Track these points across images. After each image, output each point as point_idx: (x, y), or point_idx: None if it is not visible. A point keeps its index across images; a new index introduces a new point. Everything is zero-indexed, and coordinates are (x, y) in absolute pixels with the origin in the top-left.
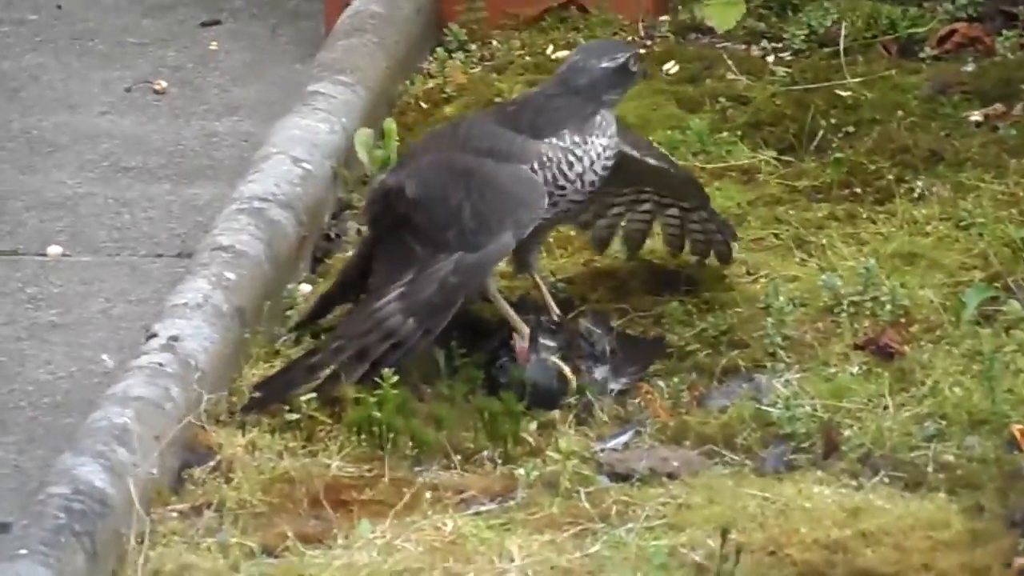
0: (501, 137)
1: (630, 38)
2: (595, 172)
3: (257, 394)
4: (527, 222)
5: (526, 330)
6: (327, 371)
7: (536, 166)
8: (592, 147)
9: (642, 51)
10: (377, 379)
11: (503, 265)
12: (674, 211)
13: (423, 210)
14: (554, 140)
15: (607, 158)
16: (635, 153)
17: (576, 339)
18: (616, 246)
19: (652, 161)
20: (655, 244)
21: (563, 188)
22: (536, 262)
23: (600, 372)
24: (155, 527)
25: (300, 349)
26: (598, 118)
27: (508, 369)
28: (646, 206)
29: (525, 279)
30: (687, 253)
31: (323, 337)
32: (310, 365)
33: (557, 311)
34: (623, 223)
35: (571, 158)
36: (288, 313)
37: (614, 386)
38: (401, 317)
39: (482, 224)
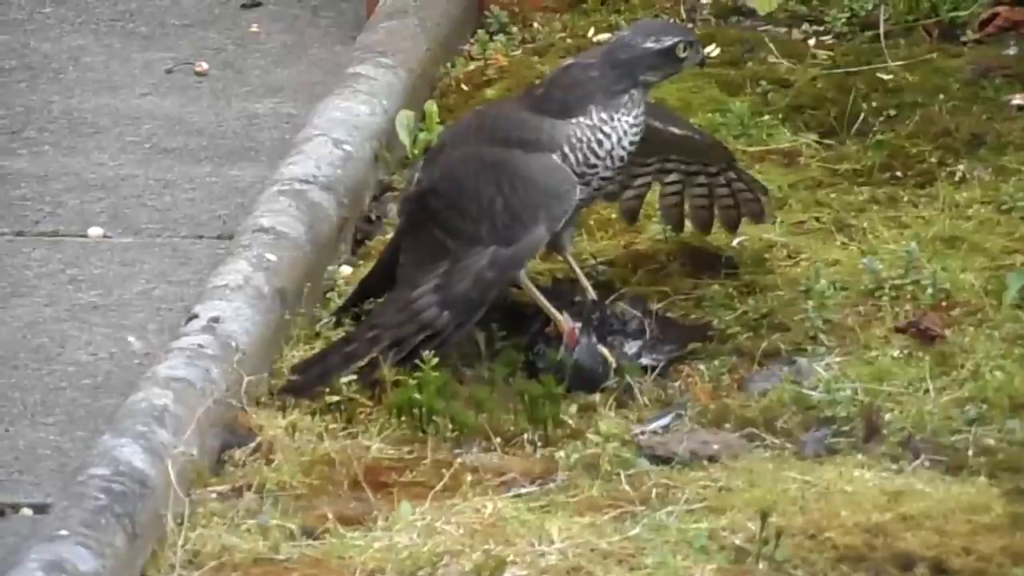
0: (527, 124)
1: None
2: (623, 148)
3: (294, 377)
4: (560, 214)
5: (561, 318)
6: (363, 360)
7: (566, 149)
8: (620, 124)
9: (700, 42)
10: (418, 362)
11: None
12: (701, 179)
13: (456, 208)
14: (581, 119)
15: (634, 135)
16: (657, 124)
17: (608, 319)
18: (656, 227)
19: (675, 130)
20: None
21: (594, 167)
22: (569, 243)
23: (631, 347)
24: (195, 508)
25: (340, 331)
26: (626, 96)
27: (545, 354)
28: (672, 176)
29: (558, 260)
30: (717, 229)
31: (361, 321)
32: (346, 353)
33: (592, 292)
34: (656, 196)
35: (600, 136)
36: (328, 295)
37: (646, 361)
38: (437, 310)
39: (515, 218)
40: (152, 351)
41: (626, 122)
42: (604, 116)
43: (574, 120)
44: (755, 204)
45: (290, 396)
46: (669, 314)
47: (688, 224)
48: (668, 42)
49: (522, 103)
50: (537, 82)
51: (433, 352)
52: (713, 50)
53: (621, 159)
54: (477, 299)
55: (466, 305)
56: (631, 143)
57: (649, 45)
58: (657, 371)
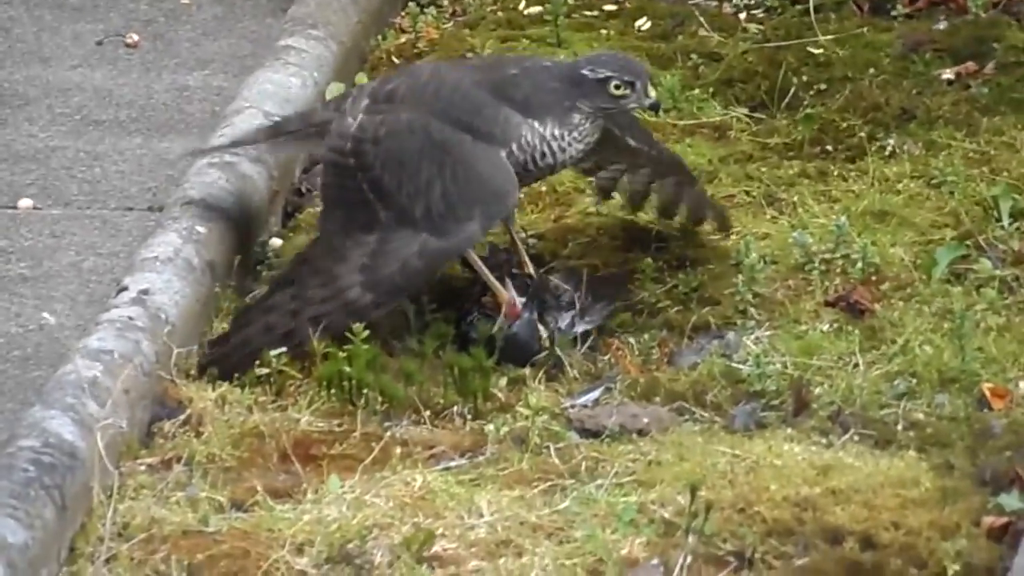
0: (484, 112)
1: None
2: (563, 163)
3: (214, 351)
4: (496, 215)
5: (506, 294)
6: (282, 336)
7: (514, 148)
8: (566, 143)
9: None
10: (348, 335)
11: None
12: (671, 179)
13: (393, 173)
14: (536, 124)
15: (577, 153)
16: (616, 131)
17: (543, 294)
18: (588, 201)
19: (632, 142)
20: (625, 201)
21: (530, 171)
22: (512, 216)
23: (564, 319)
24: (124, 481)
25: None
26: (576, 117)
27: (477, 325)
28: (644, 171)
29: (499, 233)
30: (680, 220)
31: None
32: (266, 323)
33: (531, 267)
34: (625, 179)
35: (545, 149)
36: (259, 267)
37: (579, 328)
38: (360, 290)
39: (450, 208)
40: (79, 323)
41: (573, 142)
42: (555, 132)
43: (530, 121)
44: (722, 216)
45: (214, 373)
46: (599, 274)
47: (617, 198)
48: (602, 74)
49: (485, 81)
50: (510, 59)
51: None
52: (644, 23)
53: (563, 165)
54: (401, 284)
55: (389, 289)
56: (571, 158)
57: (585, 72)
58: (591, 337)
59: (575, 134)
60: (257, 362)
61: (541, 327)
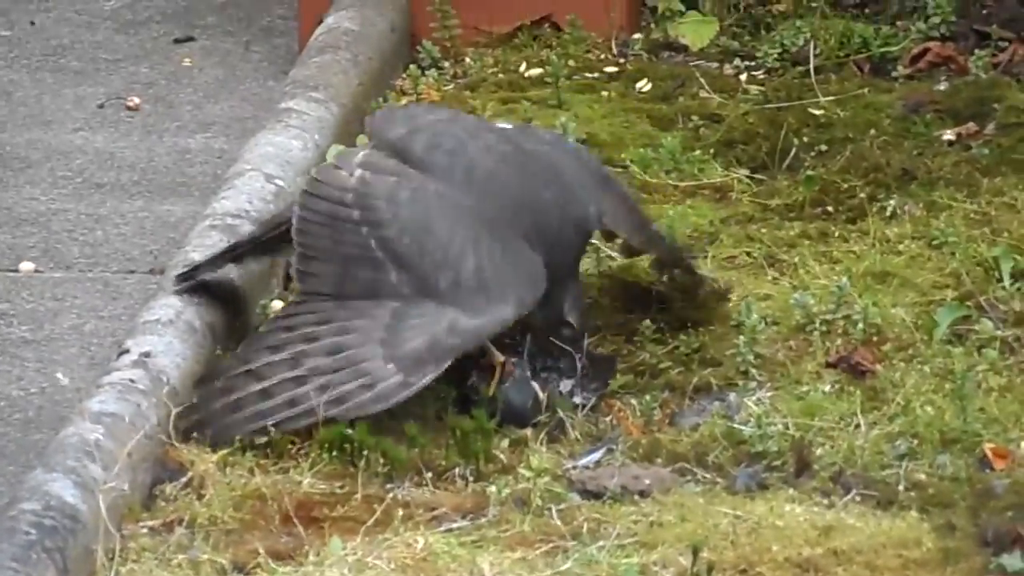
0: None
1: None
2: None
3: (199, 415)
4: (529, 302)
5: (500, 357)
6: (284, 404)
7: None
8: None
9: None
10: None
11: None
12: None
13: (415, 238)
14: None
15: None
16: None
17: (542, 354)
18: (588, 263)
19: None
20: (629, 262)
21: None
22: None
23: (565, 385)
24: (126, 543)
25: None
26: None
27: (478, 388)
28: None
29: None
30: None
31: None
32: (262, 390)
33: (496, 353)
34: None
35: None
36: (260, 329)
37: (578, 400)
38: (382, 363)
39: (482, 287)
40: (81, 386)
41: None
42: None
43: None
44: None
45: (203, 437)
46: (600, 350)
47: (618, 261)
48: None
49: (516, 166)
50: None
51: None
52: (645, 85)
53: None
54: (430, 360)
55: (416, 363)
56: None
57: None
58: (588, 407)
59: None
60: (257, 429)
61: (538, 388)
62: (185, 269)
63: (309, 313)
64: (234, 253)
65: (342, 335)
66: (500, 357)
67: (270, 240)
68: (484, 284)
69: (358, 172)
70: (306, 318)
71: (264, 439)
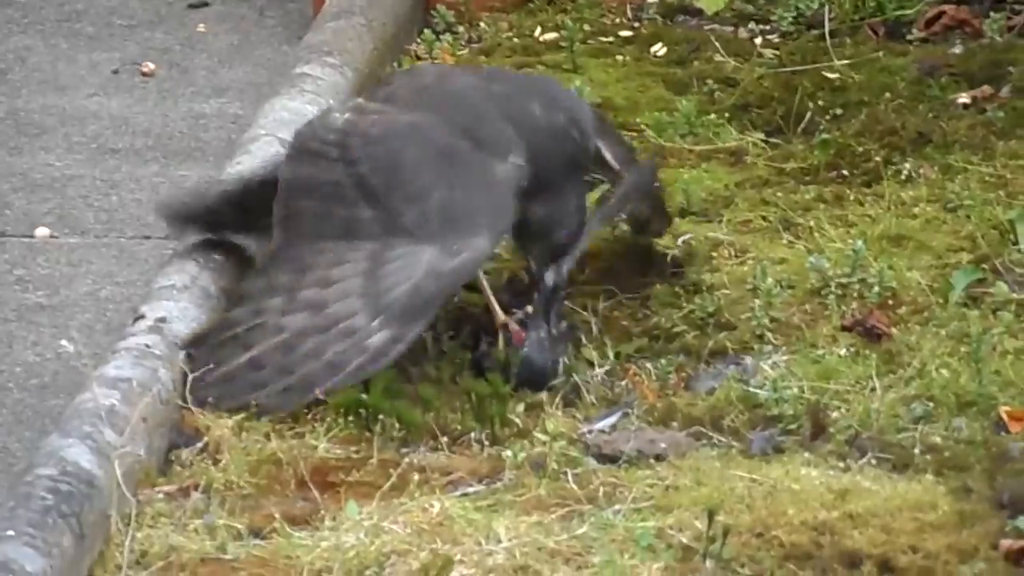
0: (490, 122)
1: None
2: None
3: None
4: (502, 227)
5: (502, 317)
6: (277, 371)
7: (512, 164)
8: None
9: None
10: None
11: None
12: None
13: (382, 174)
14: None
15: None
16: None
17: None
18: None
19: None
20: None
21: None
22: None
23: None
24: (142, 508)
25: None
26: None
27: (490, 355)
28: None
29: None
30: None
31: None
32: (251, 360)
33: (499, 312)
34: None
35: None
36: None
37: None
38: (365, 317)
39: (448, 219)
40: (97, 351)
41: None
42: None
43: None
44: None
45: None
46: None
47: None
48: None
49: (489, 93)
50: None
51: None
52: (660, 49)
53: None
54: (418, 312)
55: (403, 317)
56: None
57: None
58: (608, 362)
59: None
60: (258, 403)
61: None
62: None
63: (287, 262)
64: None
65: (322, 287)
66: (502, 318)
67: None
68: (451, 217)
69: (346, 115)
70: (284, 267)
71: (268, 416)
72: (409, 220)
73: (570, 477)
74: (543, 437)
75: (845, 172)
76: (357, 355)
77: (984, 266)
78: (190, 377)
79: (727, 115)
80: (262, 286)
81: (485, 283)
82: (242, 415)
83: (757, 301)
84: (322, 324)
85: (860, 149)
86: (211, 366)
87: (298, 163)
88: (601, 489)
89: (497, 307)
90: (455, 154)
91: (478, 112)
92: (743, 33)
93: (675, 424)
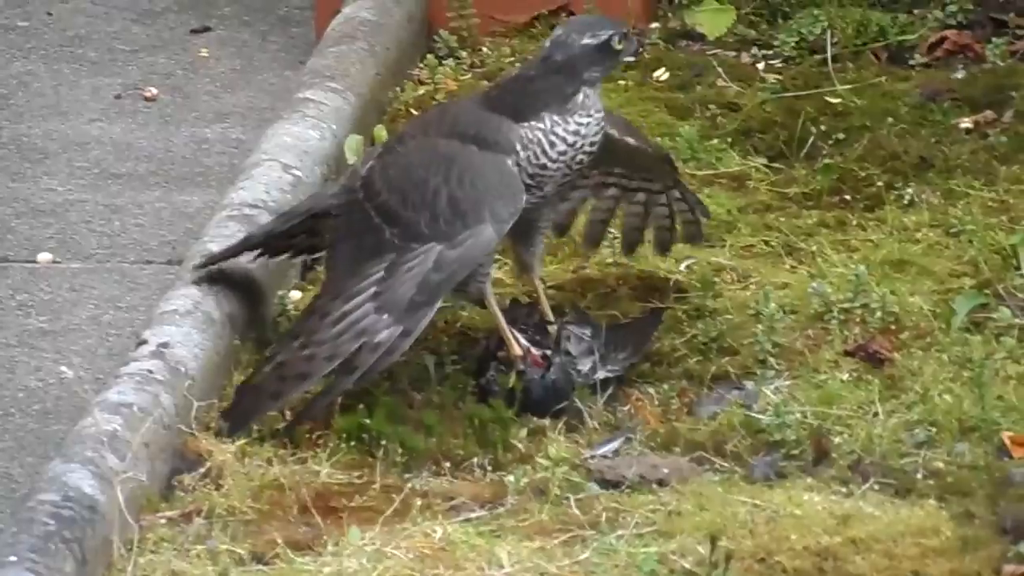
0: (487, 122)
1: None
2: (579, 151)
3: (227, 419)
4: (507, 216)
5: (518, 350)
6: (295, 378)
7: (519, 148)
8: (573, 127)
9: (632, 30)
10: (367, 387)
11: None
12: (640, 196)
13: (398, 192)
14: (534, 123)
15: (594, 135)
16: (614, 132)
17: (566, 340)
18: (606, 252)
19: (631, 140)
20: (645, 250)
21: (545, 167)
22: (539, 264)
23: (586, 364)
24: (144, 534)
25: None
26: (580, 97)
27: (497, 380)
28: (611, 191)
29: (523, 281)
30: (648, 248)
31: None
32: (280, 376)
33: (551, 317)
34: (588, 208)
35: (552, 138)
36: (279, 319)
37: (600, 374)
38: (375, 316)
39: (458, 214)
40: (99, 376)
41: (583, 123)
42: (558, 119)
43: (527, 124)
44: (694, 227)
45: (230, 432)
46: (616, 323)
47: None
48: (604, 36)
49: (482, 101)
50: (493, 83)
51: (380, 371)
52: (662, 73)
53: (579, 162)
54: (422, 302)
55: (408, 307)
56: (591, 144)
57: (587, 41)
58: (611, 387)
59: (578, 115)
60: (273, 408)
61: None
62: (202, 259)
63: (323, 294)
64: (249, 244)
65: (344, 302)
66: (519, 350)
67: (286, 232)
68: (459, 211)
69: (369, 163)
70: (319, 299)
71: (286, 428)
72: (423, 225)
73: (572, 502)
74: (545, 462)
75: (847, 197)
76: (369, 353)
77: (987, 291)
78: (195, 405)
79: (729, 140)
80: (302, 317)
81: (499, 313)
82: (244, 440)
83: (760, 326)
84: (339, 330)
85: (862, 174)
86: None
87: (337, 220)
88: (604, 514)
89: (511, 337)
90: (460, 156)
91: (478, 118)
92: (746, 58)
93: (677, 449)
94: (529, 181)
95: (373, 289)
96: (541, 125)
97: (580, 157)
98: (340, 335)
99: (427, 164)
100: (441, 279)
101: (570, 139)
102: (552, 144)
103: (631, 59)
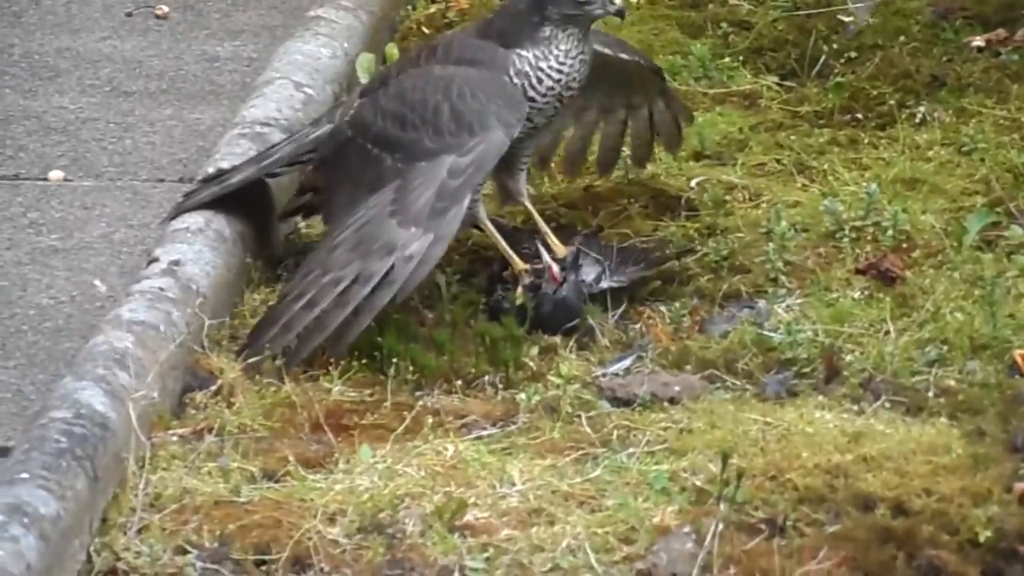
0: (481, 47)
1: None
2: (564, 88)
3: (255, 343)
4: (514, 121)
5: (520, 264)
6: (324, 306)
7: (512, 74)
8: (555, 64)
9: None
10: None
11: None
12: (621, 114)
13: (395, 118)
14: (521, 51)
15: (578, 72)
16: (607, 51)
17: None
18: (617, 171)
19: (624, 56)
20: (655, 168)
21: (534, 100)
22: (524, 189)
23: (589, 274)
24: (156, 451)
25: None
26: (547, 31)
27: (506, 299)
28: (591, 115)
29: (517, 207)
30: (660, 165)
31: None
32: (306, 304)
33: (553, 237)
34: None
35: (540, 74)
36: (290, 237)
37: (606, 284)
38: (401, 230)
39: (462, 124)
40: (111, 294)
41: (564, 64)
42: (537, 53)
43: (515, 51)
44: (674, 134)
45: (256, 358)
46: (627, 244)
47: (649, 167)
48: None
49: (472, 32)
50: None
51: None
52: None
53: (561, 95)
54: (444, 207)
55: (433, 215)
56: (577, 81)
57: None
58: (623, 306)
59: (555, 51)
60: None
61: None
62: (176, 206)
63: (327, 234)
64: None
65: (358, 229)
66: (521, 265)
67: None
68: (464, 122)
69: (352, 109)
70: (326, 239)
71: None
72: (427, 141)
73: (584, 420)
74: (557, 380)
75: (859, 115)
76: (404, 265)
77: (998, 209)
78: (206, 323)
79: (741, 58)
80: (310, 258)
81: (496, 232)
82: (256, 359)
83: (771, 244)
84: (363, 251)
85: (874, 92)
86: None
87: (326, 162)
88: (615, 432)
89: (513, 254)
90: (457, 76)
91: (471, 44)
92: None
93: (689, 367)
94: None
95: (389, 208)
96: (527, 55)
97: (567, 94)
98: (367, 255)
99: (423, 87)
100: (458, 184)
101: (555, 75)
102: (540, 80)
103: (600, 14)
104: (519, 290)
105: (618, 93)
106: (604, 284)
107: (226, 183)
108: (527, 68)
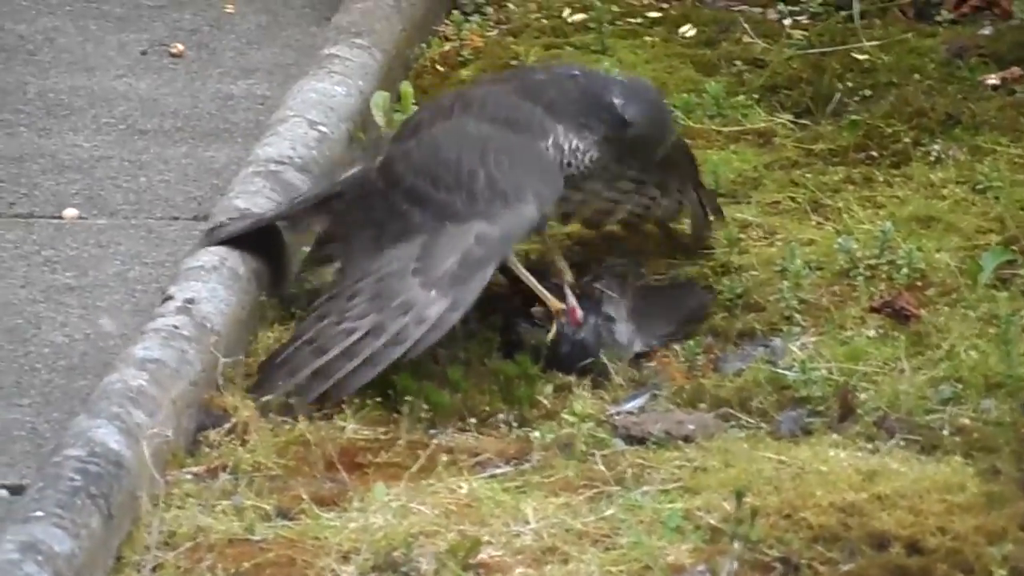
0: (520, 108)
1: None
2: (600, 165)
3: (260, 387)
4: (548, 197)
5: (557, 304)
6: (334, 354)
7: (550, 144)
8: (581, 155)
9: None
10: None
11: None
12: (653, 191)
13: (427, 176)
14: (560, 127)
15: (587, 165)
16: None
17: (603, 301)
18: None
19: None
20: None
21: (571, 167)
22: (545, 225)
23: (622, 334)
24: (170, 489)
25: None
26: (586, 133)
27: (528, 335)
28: (626, 185)
29: (535, 242)
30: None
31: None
32: (313, 348)
33: (570, 274)
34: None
35: (577, 153)
36: (303, 275)
37: (638, 347)
38: (421, 291)
39: (498, 194)
40: (125, 332)
41: (584, 153)
42: (573, 141)
43: (560, 124)
44: (704, 224)
45: (265, 396)
46: (654, 282)
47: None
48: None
49: (511, 88)
50: (527, 68)
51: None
52: (688, 30)
53: (582, 176)
54: (466, 276)
55: (454, 282)
56: (586, 168)
57: (614, 101)
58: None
59: (583, 147)
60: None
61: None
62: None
63: (349, 279)
64: (258, 226)
65: (379, 281)
66: (559, 305)
67: (304, 212)
68: (499, 191)
69: (380, 158)
70: (346, 283)
71: (334, 402)
72: (459, 205)
73: (598, 458)
74: (571, 418)
75: (874, 153)
76: (416, 327)
77: (1013, 247)
78: (221, 362)
79: (756, 96)
80: (327, 301)
81: (528, 273)
82: (269, 395)
83: (785, 283)
84: (380, 304)
85: (889, 130)
86: (277, 371)
87: (350, 206)
88: (629, 470)
89: (548, 295)
90: (495, 138)
91: (509, 103)
92: (772, 14)
93: (703, 405)
94: None
95: (413, 266)
96: (571, 136)
97: (578, 177)
98: (383, 309)
99: (458, 146)
100: (483, 254)
101: (589, 164)
102: (568, 163)
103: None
104: (553, 328)
105: (655, 172)
106: (637, 348)
107: (260, 217)
108: (566, 145)
